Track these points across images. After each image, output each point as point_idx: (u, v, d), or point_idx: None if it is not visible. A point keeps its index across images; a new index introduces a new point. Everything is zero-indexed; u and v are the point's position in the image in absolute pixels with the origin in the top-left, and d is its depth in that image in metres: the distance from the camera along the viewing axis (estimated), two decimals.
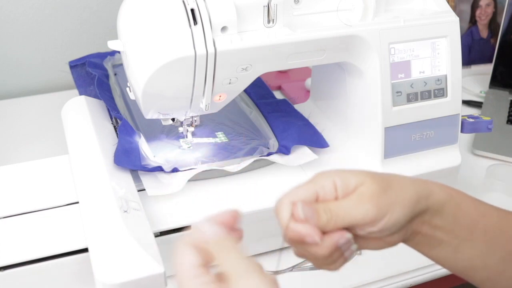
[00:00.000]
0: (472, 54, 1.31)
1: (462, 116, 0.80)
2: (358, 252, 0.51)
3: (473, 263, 0.51)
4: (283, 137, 0.79)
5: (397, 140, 0.77)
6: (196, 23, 0.64)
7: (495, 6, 1.28)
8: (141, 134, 0.76)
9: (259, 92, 0.91)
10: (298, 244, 0.48)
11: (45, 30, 1.13)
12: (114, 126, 0.80)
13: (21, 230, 0.65)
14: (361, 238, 0.49)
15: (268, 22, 0.68)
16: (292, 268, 0.59)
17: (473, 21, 1.29)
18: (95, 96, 0.85)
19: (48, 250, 0.62)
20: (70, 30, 1.14)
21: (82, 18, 1.14)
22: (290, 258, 0.52)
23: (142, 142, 0.76)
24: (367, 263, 0.65)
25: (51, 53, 1.15)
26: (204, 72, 0.66)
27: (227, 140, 0.82)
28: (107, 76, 0.92)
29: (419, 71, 0.76)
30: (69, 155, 0.75)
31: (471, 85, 1.24)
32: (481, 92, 1.22)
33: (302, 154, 0.75)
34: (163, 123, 0.77)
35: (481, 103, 1.16)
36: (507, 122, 1.09)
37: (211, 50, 0.65)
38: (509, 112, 1.12)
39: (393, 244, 0.50)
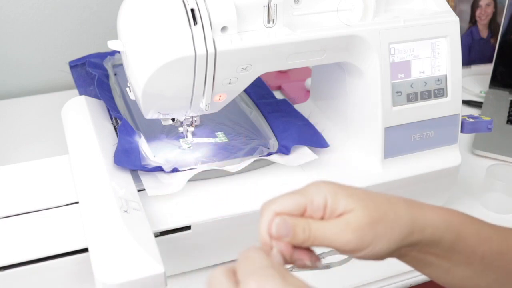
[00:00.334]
0: (472, 54, 1.31)
1: (462, 116, 0.80)
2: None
3: (466, 284, 0.50)
4: (283, 137, 0.79)
5: (397, 140, 0.77)
6: (196, 23, 0.64)
7: (495, 6, 1.28)
8: (141, 134, 0.76)
9: (259, 92, 0.91)
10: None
11: (45, 30, 1.13)
12: (114, 126, 0.80)
13: (21, 230, 0.64)
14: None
15: (268, 22, 0.68)
16: (292, 268, 0.59)
17: (473, 21, 1.29)
18: (95, 96, 0.85)
19: (48, 250, 0.62)
20: (70, 30, 1.14)
21: (82, 18, 1.14)
22: None
23: (142, 142, 0.76)
24: (367, 263, 0.65)
25: (51, 53, 1.15)
26: (204, 72, 0.66)
27: (227, 140, 0.82)
28: (107, 76, 0.92)
29: (419, 71, 0.76)
30: (69, 155, 0.75)
31: (471, 85, 1.24)
32: (481, 92, 1.22)
33: (302, 154, 0.75)
34: (163, 123, 0.77)
35: (481, 103, 1.16)
36: (507, 122, 1.09)
37: (211, 50, 0.65)
38: (509, 112, 1.12)
39: (376, 260, 0.48)
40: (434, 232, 0.47)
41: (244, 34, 0.67)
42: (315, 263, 0.48)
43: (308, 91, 1.00)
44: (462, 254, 0.49)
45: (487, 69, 1.24)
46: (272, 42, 0.68)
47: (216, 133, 0.83)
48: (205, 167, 0.73)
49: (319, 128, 0.81)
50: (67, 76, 0.96)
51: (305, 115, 0.85)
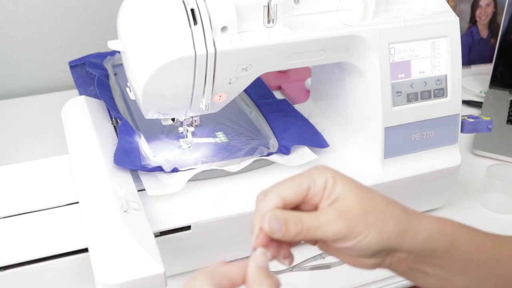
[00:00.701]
0: (472, 54, 1.31)
1: (462, 116, 0.80)
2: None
3: None
4: (283, 137, 0.79)
5: (397, 140, 0.77)
6: (196, 23, 0.64)
7: (495, 6, 1.28)
8: (141, 134, 0.76)
9: (259, 92, 0.91)
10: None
11: (45, 30, 1.13)
12: (114, 126, 0.80)
13: (21, 230, 0.65)
14: (334, 248, 0.48)
15: (268, 22, 0.68)
16: (292, 268, 0.59)
17: (473, 21, 1.29)
18: (95, 96, 0.85)
19: (48, 250, 0.62)
20: (70, 30, 1.14)
21: (82, 18, 1.14)
22: None
23: (142, 142, 0.76)
24: None
25: (51, 53, 1.15)
26: (204, 72, 0.66)
27: (227, 140, 0.82)
28: (107, 76, 0.92)
29: (419, 71, 0.76)
30: (69, 155, 0.75)
31: (471, 85, 1.24)
32: (481, 92, 1.22)
33: (302, 154, 0.75)
34: (163, 123, 0.77)
35: (481, 103, 1.16)
36: (507, 122, 1.09)
37: (211, 50, 0.65)
38: (509, 112, 1.12)
39: (366, 267, 0.49)
40: (427, 240, 0.47)
41: (244, 34, 0.67)
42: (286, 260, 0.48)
43: (308, 91, 1.00)
44: (458, 262, 0.48)
45: (487, 69, 1.24)
46: (272, 42, 0.68)
47: (216, 133, 0.83)
48: (205, 167, 0.73)
49: (319, 128, 0.81)
50: (67, 76, 0.96)
51: (305, 115, 0.85)
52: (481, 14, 1.28)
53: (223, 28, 0.65)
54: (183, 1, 0.64)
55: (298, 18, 0.71)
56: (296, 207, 0.48)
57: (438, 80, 0.77)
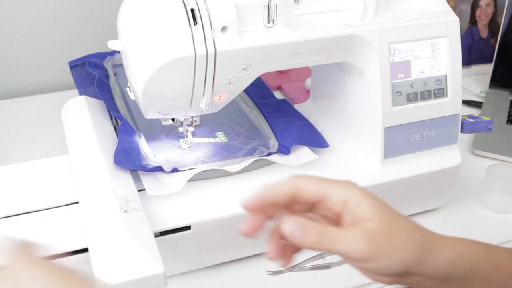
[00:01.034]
0: (472, 54, 1.31)
1: (462, 116, 0.80)
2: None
3: None
4: (283, 137, 0.79)
5: (397, 140, 0.77)
6: (196, 23, 0.64)
7: (495, 6, 1.28)
8: (141, 134, 0.76)
9: (259, 92, 0.91)
10: None
11: (45, 30, 1.13)
12: (114, 126, 0.80)
13: (21, 230, 0.64)
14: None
15: (268, 22, 0.68)
16: (292, 268, 0.59)
17: (473, 21, 1.29)
18: (95, 96, 0.85)
19: (48, 250, 0.62)
20: (70, 30, 1.14)
21: (82, 18, 1.14)
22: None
23: (142, 142, 0.76)
24: None
25: (51, 53, 1.15)
26: (204, 72, 0.66)
27: (227, 140, 0.82)
28: (107, 76, 0.92)
29: (419, 71, 0.76)
30: (69, 155, 0.75)
31: (471, 85, 1.24)
32: (481, 92, 1.22)
33: (302, 154, 0.75)
34: (163, 123, 0.77)
35: (481, 103, 1.16)
36: (507, 122, 1.09)
37: (211, 50, 0.65)
38: (509, 112, 1.12)
39: (381, 282, 0.49)
40: (448, 266, 0.47)
41: (244, 34, 0.67)
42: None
43: (308, 91, 1.00)
44: (478, 284, 0.49)
45: (487, 69, 1.24)
46: (272, 42, 0.68)
47: (216, 133, 0.83)
48: (205, 167, 0.73)
49: (319, 128, 0.81)
50: (67, 76, 0.96)
51: (305, 115, 0.85)
52: (481, 14, 1.28)
53: (223, 28, 0.65)
54: (183, 1, 0.64)
55: (298, 18, 0.71)
56: (306, 210, 0.48)
57: (438, 80, 0.77)
